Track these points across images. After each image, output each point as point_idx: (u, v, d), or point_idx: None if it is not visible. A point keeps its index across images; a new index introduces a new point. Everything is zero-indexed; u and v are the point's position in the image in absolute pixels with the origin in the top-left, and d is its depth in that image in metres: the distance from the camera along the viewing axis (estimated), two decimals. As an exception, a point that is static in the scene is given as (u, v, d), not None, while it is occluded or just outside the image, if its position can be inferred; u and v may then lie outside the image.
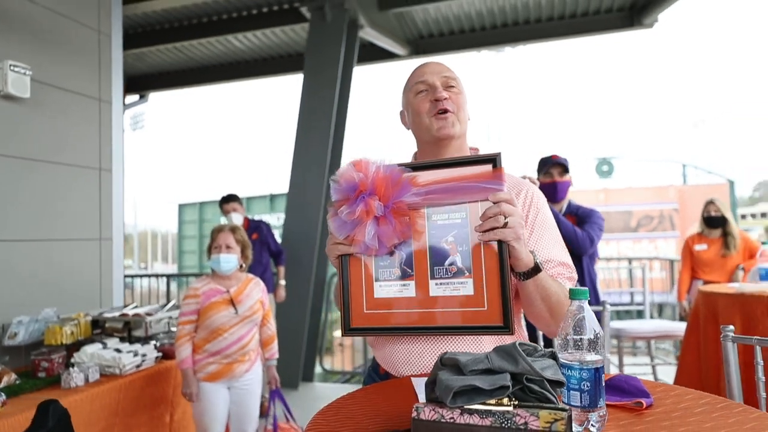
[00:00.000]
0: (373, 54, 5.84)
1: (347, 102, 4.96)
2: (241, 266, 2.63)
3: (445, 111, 1.26)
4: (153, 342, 2.72)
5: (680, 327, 3.19)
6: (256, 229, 4.27)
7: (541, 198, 1.28)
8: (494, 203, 1.07)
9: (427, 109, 1.28)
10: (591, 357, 0.88)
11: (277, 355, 2.73)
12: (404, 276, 1.13)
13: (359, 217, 1.14)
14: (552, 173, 2.63)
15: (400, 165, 1.16)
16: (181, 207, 13.71)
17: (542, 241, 1.24)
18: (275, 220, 12.44)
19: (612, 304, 4.62)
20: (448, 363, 0.85)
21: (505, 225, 1.05)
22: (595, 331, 0.89)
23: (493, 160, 1.11)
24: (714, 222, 3.81)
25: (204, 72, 6.58)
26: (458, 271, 1.10)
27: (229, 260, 2.56)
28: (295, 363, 4.62)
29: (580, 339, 0.88)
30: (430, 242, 1.13)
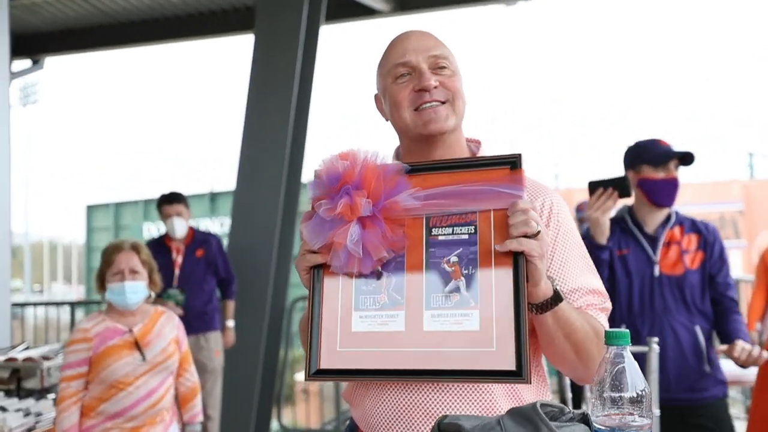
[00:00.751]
0: (346, 9, 5.84)
1: (312, 72, 4.95)
2: (149, 296, 2.62)
3: (434, 102, 1.26)
4: (51, 396, 2.68)
5: (750, 370, 3.23)
6: (203, 243, 4.23)
7: (563, 209, 1.30)
8: (520, 211, 1.09)
9: (409, 99, 1.28)
10: (635, 421, 0.89)
11: (201, 417, 2.72)
12: (392, 305, 1.13)
13: (341, 214, 1.15)
14: (669, 167, 2.47)
15: (405, 196, 1.17)
16: (91, 209, 13.58)
17: (568, 264, 1.26)
18: (218, 226, 12.40)
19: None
20: (448, 430, 0.86)
21: (536, 236, 1.08)
22: (638, 387, 0.90)
23: (513, 161, 1.14)
24: None
25: (120, 30, 6.52)
26: (461, 300, 1.10)
27: (136, 289, 2.53)
28: (245, 418, 4.60)
29: (620, 397, 0.90)
30: (428, 262, 1.13)
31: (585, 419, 0.91)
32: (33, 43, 6.84)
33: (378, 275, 1.15)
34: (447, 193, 1.16)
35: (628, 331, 0.93)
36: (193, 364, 2.72)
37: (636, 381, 0.90)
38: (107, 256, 2.57)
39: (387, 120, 1.36)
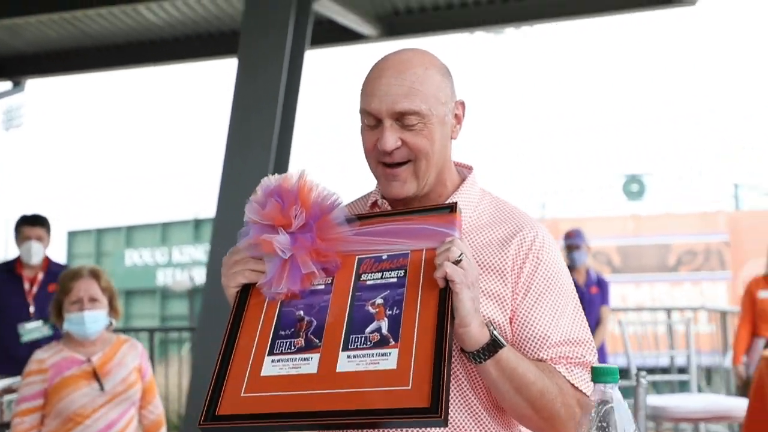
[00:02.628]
0: (333, 34, 5.85)
1: (296, 97, 4.92)
2: (110, 323, 2.55)
3: (396, 165, 1.20)
4: None
5: (739, 405, 3.18)
6: (56, 277, 3.58)
7: (547, 244, 1.22)
8: (447, 242, 1.06)
9: (374, 153, 1.22)
10: (625, 467, 0.82)
11: None
12: (308, 347, 1.09)
13: (270, 215, 1.11)
14: None
15: (338, 215, 1.15)
16: (72, 235, 13.46)
17: (541, 306, 1.17)
18: (201, 253, 12.30)
19: (646, 370, 4.57)
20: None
21: (458, 262, 1.02)
22: (628, 428, 0.83)
23: (450, 208, 1.13)
24: None
25: (104, 53, 6.49)
26: (381, 340, 1.05)
27: (97, 319, 2.47)
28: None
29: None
30: (353, 306, 1.10)
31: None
32: (14, 65, 6.80)
33: (300, 320, 1.11)
34: (382, 231, 1.14)
35: (616, 367, 0.86)
36: (158, 395, 2.63)
37: (625, 423, 0.83)
38: (65, 284, 2.51)
39: None
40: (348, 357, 1.05)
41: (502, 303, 1.17)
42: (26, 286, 3.83)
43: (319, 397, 1.03)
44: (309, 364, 1.07)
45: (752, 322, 3.88)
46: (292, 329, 1.11)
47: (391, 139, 1.17)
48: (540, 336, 1.15)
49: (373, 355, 1.04)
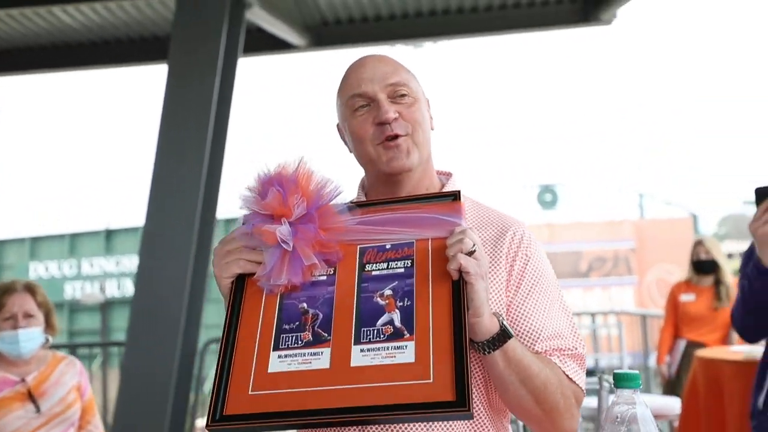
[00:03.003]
0: (262, 42, 5.80)
1: (230, 105, 4.85)
2: (46, 340, 2.45)
3: (396, 137, 1.22)
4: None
5: (669, 404, 3.32)
6: None
7: (533, 241, 1.26)
8: (458, 233, 1.06)
9: (370, 134, 1.23)
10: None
11: None
12: (316, 341, 1.05)
13: (272, 205, 1.09)
14: None
15: (338, 203, 1.14)
16: (-33, 247, 12.71)
17: (532, 300, 1.20)
18: (113, 265, 11.84)
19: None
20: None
21: (471, 253, 1.03)
22: (652, 432, 0.87)
23: (454, 195, 1.14)
24: (705, 267, 4.06)
25: (15, 55, 6.18)
26: (395, 333, 1.03)
27: (31, 336, 2.36)
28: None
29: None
30: (360, 297, 1.07)
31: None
32: None
33: (305, 312, 1.07)
34: (384, 220, 1.12)
35: (638, 372, 0.90)
36: (97, 414, 2.53)
37: (649, 425, 0.88)
38: None
39: (351, 152, 1.31)
40: (361, 351, 1.02)
41: (498, 299, 1.19)
42: None
43: (336, 393, 0.99)
44: (320, 359, 1.03)
45: (674, 325, 4.09)
46: (297, 323, 1.07)
47: (389, 108, 1.21)
48: (533, 329, 1.18)
49: (388, 349, 1.02)
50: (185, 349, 4.67)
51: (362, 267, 1.10)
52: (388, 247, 1.10)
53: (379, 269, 1.09)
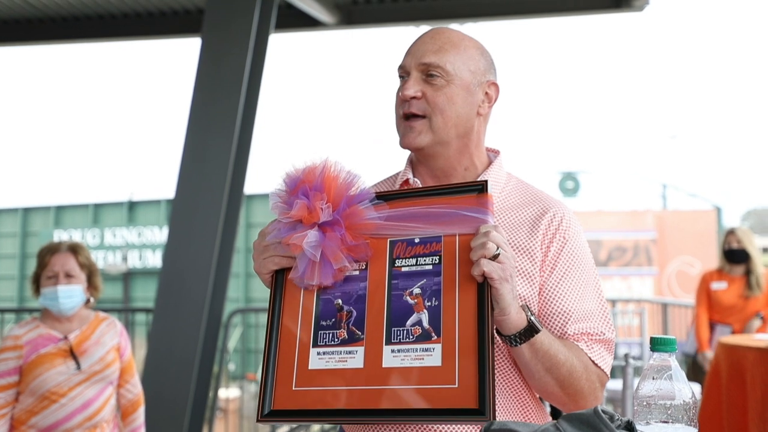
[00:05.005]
0: (295, 19, 5.82)
1: (260, 80, 4.89)
2: (88, 301, 2.53)
3: (412, 116, 1.24)
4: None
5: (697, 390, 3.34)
6: None
7: (573, 225, 1.28)
8: (482, 234, 1.07)
9: (397, 106, 1.27)
10: (683, 429, 0.91)
11: (143, 431, 2.62)
12: (351, 340, 1.11)
13: (299, 217, 1.12)
14: None
15: (365, 201, 1.17)
16: (-4, 214, 12.93)
17: (566, 283, 1.23)
18: (135, 236, 12.00)
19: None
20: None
21: (495, 257, 1.05)
22: (686, 396, 0.92)
23: (480, 187, 1.14)
24: (736, 257, 4.09)
25: (52, 25, 6.25)
26: (423, 334, 1.07)
27: (71, 294, 2.44)
28: (174, 435, 4.44)
29: (669, 405, 0.91)
30: (390, 295, 1.12)
31: (630, 426, 0.92)
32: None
33: (340, 309, 1.13)
34: (412, 215, 1.14)
35: (674, 338, 0.95)
36: (136, 374, 2.62)
37: (683, 389, 0.92)
38: (42, 258, 2.47)
39: None
40: (392, 351, 1.07)
41: (530, 279, 1.22)
42: None
43: (368, 393, 1.06)
44: (355, 357, 1.09)
45: (708, 312, 4.13)
46: (333, 319, 1.13)
47: (412, 86, 1.23)
48: (565, 311, 1.21)
49: (417, 350, 1.06)
50: (210, 320, 4.77)
51: (392, 262, 1.14)
52: (416, 241, 1.14)
53: (408, 265, 1.13)
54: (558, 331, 1.21)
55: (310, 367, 1.10)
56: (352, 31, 6.04)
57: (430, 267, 1.10)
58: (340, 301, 1.13)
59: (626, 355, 2.16)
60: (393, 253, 1.14)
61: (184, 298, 4.43)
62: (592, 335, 1.22)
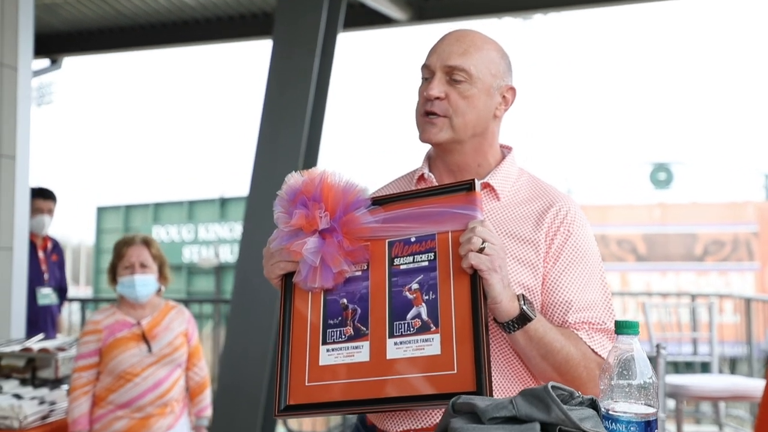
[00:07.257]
0: (364, 17, 5.92)
1: (328, 78, 5.02)
2: (159, 290, 2.71)
3: (433, 114, 1.30)
4: (64, 386, 2.74)
5: (758, 385, 3.24)
6: (55, 247, 4.27)
7: (578, 219, 1.32)
8: (468, 229, 1.15)
9: (419, 104, 1.34)
10: (641, 408, 0.93)
11: (209, 411, 2.80)
12: (357, 336, 1.20)
13: (298, 226, 1.21)
14: None
15: (361, 207, 1.24)
16: (101, 211, 13.69)
17: (568, 274, 1.28)
18: (227, 231, 12.48)
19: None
20: (462, 409, 0.90)
21: (482, 250, 1.12)
22: (646, 375, 0.95)
23: (468, 186, 1.21)
24: None
25: (139, 32, 6.62)
26: (423, 326, 1.16)
27: (146, 283, 2.64)
28: (250, 424, 4.63)
29: (628, 385, 0.94)
30: (391, 292, 1.20)
31: (594, 404, 0.95)
32: (52, 42, 6.95)
33: (345, 308, 1.22)
34: (407, 216, 1.23)
35: (637, 321, 0.98)
36: (203, 358, 2.79)
37: (644, 369, 0.95)
38: (119, 250, 2.68)
39: None
40: (395, 344, 1.16)
41: (534, 269, 1.28)
42: (40, 254, 4.14)
43: (375, 384, 1.15)
44: (361, 352, 1.18)
45: None
46: (339, 318, 1.22)
47: (437, 87, 1.29)
48: (566, 301, 1.26)
49: (417, 341, 1.15)
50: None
51: (391, 261, 1.22)
52: (412, 240, 1.22)
53: (405, 263, 1.22)
54: (559, 320, 1.26)
55: (320, 363, 1.20)
56: (423, 27, 6.07)
57: (426, 263, 1.19)
58: (345, 300, 1.22)
59: (658, 346, 2.13)
60: (392, 253, 1.23)
61: (258, 289, 4.61)
62: (593, 324, 1.26)
